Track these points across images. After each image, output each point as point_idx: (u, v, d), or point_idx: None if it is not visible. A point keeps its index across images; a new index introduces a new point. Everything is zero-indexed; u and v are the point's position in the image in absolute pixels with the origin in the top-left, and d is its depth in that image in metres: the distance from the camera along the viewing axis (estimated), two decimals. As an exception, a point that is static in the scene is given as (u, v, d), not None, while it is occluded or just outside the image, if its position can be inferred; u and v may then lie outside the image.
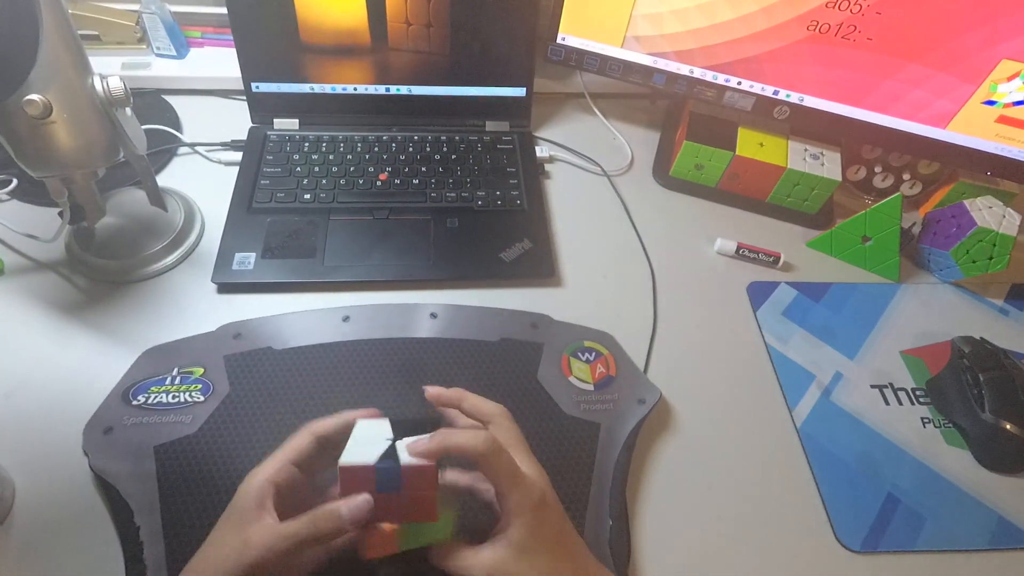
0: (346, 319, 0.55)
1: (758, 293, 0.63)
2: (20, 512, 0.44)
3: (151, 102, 0.72)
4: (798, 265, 0.67)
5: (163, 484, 0.45)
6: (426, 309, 0.56)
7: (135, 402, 0.48)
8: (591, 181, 0.73)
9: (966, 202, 0.64)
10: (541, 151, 0.73)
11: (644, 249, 0.66)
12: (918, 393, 0.58)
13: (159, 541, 0.43)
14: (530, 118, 0.75)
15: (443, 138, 0.71)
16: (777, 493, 0.51)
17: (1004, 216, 0.62)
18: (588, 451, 0.50)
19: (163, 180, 0.65)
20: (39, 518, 0.44)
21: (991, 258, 0.62)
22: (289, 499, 0.37)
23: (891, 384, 0.58)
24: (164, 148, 0.68)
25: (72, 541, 0.43)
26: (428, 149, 0.70)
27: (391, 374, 0.52)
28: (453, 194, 0.66)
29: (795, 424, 0.54)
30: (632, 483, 0.50)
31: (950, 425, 0.56)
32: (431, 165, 0.68)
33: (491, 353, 0.54)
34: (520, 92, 0.73)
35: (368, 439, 0.37)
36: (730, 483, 0.51)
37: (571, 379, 0.54)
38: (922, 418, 0.56)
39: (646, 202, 0.71)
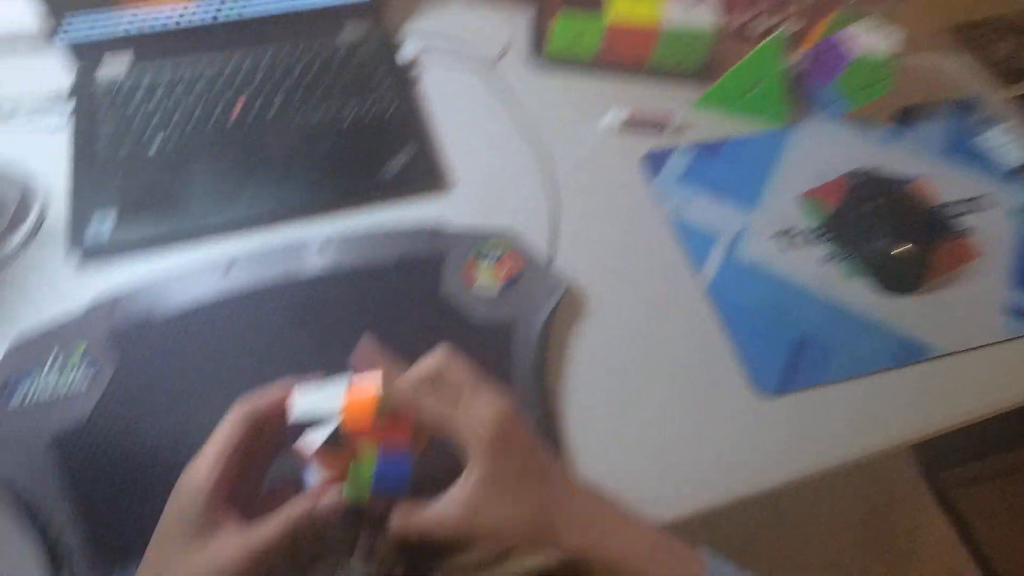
0: (228, 270, 0.48)
1: (653, 162, 0.59)
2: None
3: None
4: (690, 126, 0.62)
5: (66, 476, 0.40)
6: (312, 245, 0.50)
7: (14, 399, 0.42)
8: (468, 73, 0.64)
9: (846, 29, 0.59)
10: (408, 50, 0.64)
11: (533, 136, 0.60)
12: (818, 233, 0.56)
13: (75, 532, 0.38)
14: (387, 16, 0.65)
15: (296, 56, 0.61)
16: (692, 356, 0.49)
17: (884, 37, 0.58)
18: (504, 355, 0.47)
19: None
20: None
21: (876, 83, 0.58)
22: (243, 494, 0.32)
23: (791, 229, 0.56)
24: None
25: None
26: (282, 71, 0.60)
27: (287, 323, 0.46)
28: (319, 114, 0.57)
29: (703, 286, 0.52)
30: (552, 376, 0.47)
31: (850, 258, 0.54)
32: (289, 87, 0.59)
33: (390, 277, 0.49)
34: (369, -11, 0.63)
35: (318, 410, 0.33)
36: (647, 356, 0.49)
37: (476, 286, 0.49)
38: (824, 256, 0.55)
39: (528, 87, 0.63)
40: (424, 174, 0.55)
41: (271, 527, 0.30)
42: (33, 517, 0.39)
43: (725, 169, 0.59)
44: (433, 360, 0.35)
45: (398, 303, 0.48)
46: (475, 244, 0.51)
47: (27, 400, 0.42)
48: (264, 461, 0.35)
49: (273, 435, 0.34)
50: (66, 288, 0.48)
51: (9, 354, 0.44)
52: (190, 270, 0.48)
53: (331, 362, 0.45)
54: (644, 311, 0.51)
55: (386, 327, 0.47)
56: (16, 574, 0.38)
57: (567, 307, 0.50)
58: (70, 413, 0.42)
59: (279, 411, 0.34)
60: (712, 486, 0.44)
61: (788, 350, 0.49)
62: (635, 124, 0.60)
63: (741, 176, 0.58)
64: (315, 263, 0.49)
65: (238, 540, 0.29)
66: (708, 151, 0.60)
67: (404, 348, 0.46)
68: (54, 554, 0.38)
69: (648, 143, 0.60)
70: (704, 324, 0.51)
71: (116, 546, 0.38)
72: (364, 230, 0.51)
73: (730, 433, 0.46)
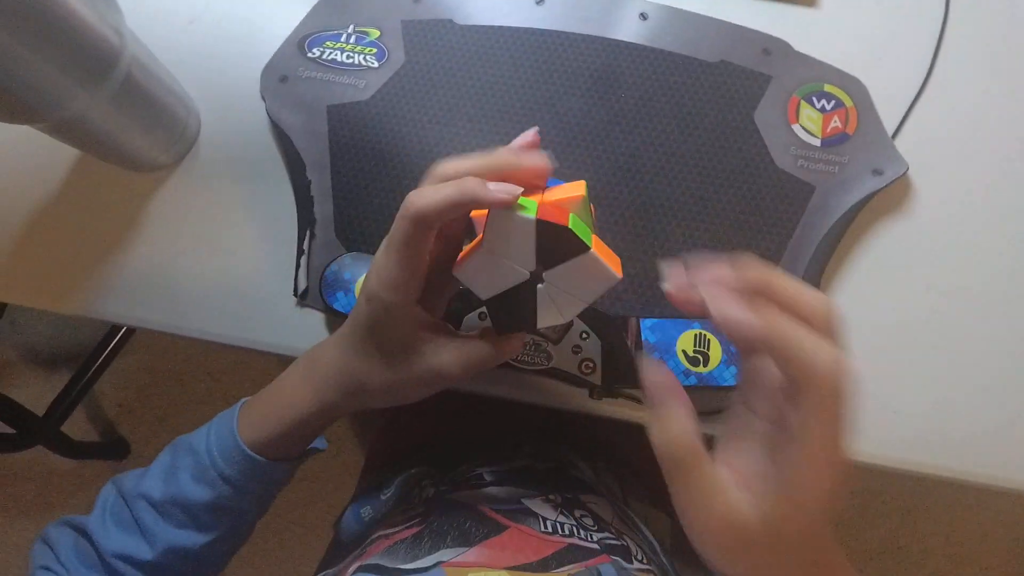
0: (540, 2, 0.43)
1: (1093, 66, 0.42)
2: (204, 143, 0.42)
3: None
4: None
5: (334, 145, 0.40)
6: (635, 6, 0.42)
7: (310, 54, 0.42)
8: None
9: None
10: None
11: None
12: None
13: (328, 200, 0.40)
14: None
15: None
16: (1012, 322, 0.39)
17: None
18: (792, 214, 0.39)
19: None
20: (221, 152, 0.42)
21: None
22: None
23: None
24: None
25: (250, 181, 0.41)
26: None
27: (582, 78, 0.41)
28: None
29: (1077, 244, 0.39)
30: (832, 266, 0.39)
31: None
32: None
33: (704, 76, 0.41)
34: None
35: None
36: (958, 293, 0.39)
37: (795, 127, 0.40)
38: None
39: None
40: (792, -31, 0.43)
41: (489, 350, 0.28)
42: (299, 175, 0.40)
43: None
44: (815, 303, 0.22)
45: (703, 106, 0.40)
46: (813, 80, 0.41)
47: (322, 58, 0.42)
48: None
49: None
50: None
51: (314, 12, 0.43)
52: (500, -12, 0.43)
53: (612, 135, 0.40)
54: (983, 240, 0.40)
55: (681, 124, 0.40)
56: (274, 216, 0.41)
57: (890, 196, 0.40)
58: (353, 88, 0.41)
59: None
60: (946, 454, 0.37)
61: None
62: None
63: None
64: (633, 28, 0.42)
65: (455, 354, 0.27)
66: None
67: (689, 153, 0.40)
68: (306, 214, 0.40)
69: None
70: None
71: (350, 232, 0.39)
72: (696, 12, 0.42)
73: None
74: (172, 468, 0.31)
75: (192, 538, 0.31)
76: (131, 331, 1.10)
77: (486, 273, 0.25)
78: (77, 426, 1.16)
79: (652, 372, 0.23)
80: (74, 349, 1.21)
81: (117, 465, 1.16)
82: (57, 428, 1.03)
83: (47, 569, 0.30)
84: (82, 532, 0.32)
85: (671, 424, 0.22)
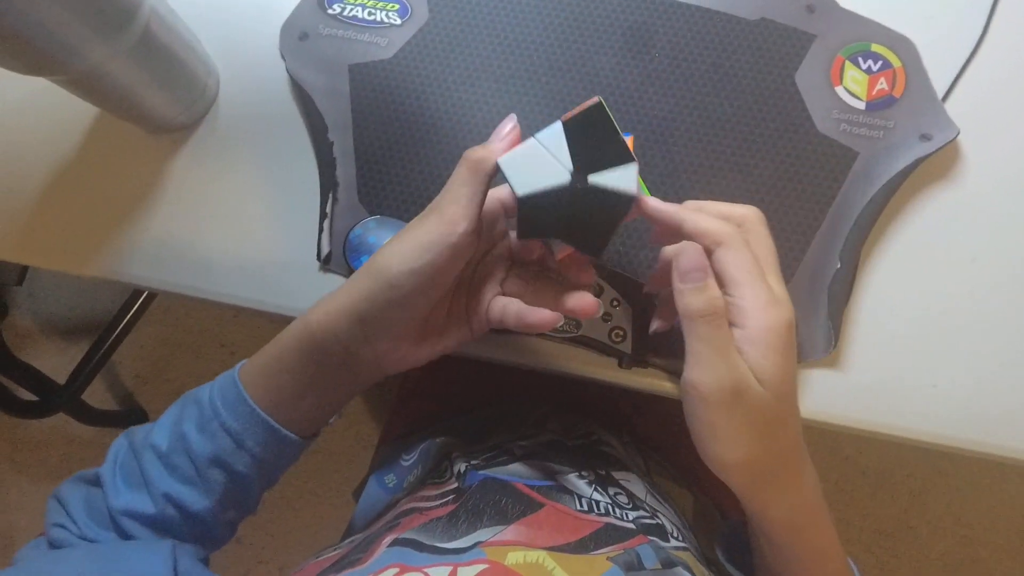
0: (568, -44, 0.41)
1: None
2: (224, 102, 0.40)
3: None
4: None
5: (356, 105, 0.39)
6: (670, -39, 0.40)
7: (331, 10, 0.40)
8: None
9: None
10: None
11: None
12: None
13: (351, 163, 0.38)
14: None
15: None
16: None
17: None
18: (832, 181, 0.37)
19: None
20: (240, 113, 0.40)
21: None
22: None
23: None
24: None
25: (270, 144, 0.40)
26: None
27: (614, 35, 0.39)
28: None
29: None
30: (874, 232, 0.38)
31: None
32: None
33: (742, 35, 0.39)
34: None
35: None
36: (1002, 262, 0.37)
37: (838, 89, 0.38)
38: None
39: None
40: (841, -81, 0.41)
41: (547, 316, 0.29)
42: (321, 137, 0.39)
43: None
44: (742, 210, 0.29)
45: (741, 68, 0.38)
46: (859, 39, 0.39)
47: (343, 14, 0.40)
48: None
49: None
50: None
51: (334, -34, 0.41)
52: (528, -58, 0.41)
53: (644, 96, 0.39)
54: (1032, 211, 0.38)
55: (718, 86, 0.38)
56: (296, 178, 0.40)
57: (937, 163, 0.38)
58: (376, 46, 0.39)
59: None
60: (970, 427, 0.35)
61: None
62: None
63: None
64: (668, -17, 0.40)
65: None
66: None
67: (725, 117, 0.38)
68: (328, 177, 0.38)
69: None
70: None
71: (373, 195, 0.38)
72: (736, -34, 0.40)
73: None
74: (179, 419, 0.31)
75: (192, 496, 0.30)
76: (148, 301, 1.10)
77: (528, 164, 0.26)
78: (96, 396, 1.18)
79: (689, 256, 0.27)
80: (92, 320, 1.21)
81: (137, 434, 1.17)
82: (78, 396, 1.04)
83: (61, 527, 0.30)
84: (94, 483, 0.31)
85: (711, 290, 0.26)
